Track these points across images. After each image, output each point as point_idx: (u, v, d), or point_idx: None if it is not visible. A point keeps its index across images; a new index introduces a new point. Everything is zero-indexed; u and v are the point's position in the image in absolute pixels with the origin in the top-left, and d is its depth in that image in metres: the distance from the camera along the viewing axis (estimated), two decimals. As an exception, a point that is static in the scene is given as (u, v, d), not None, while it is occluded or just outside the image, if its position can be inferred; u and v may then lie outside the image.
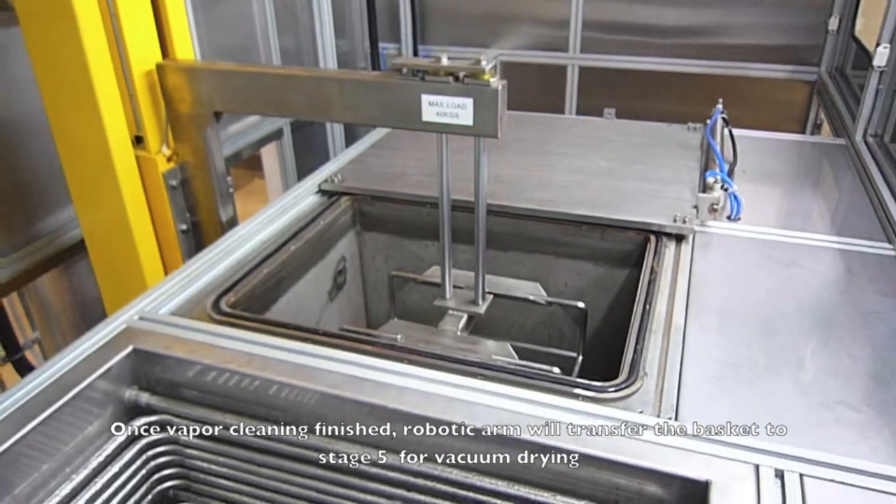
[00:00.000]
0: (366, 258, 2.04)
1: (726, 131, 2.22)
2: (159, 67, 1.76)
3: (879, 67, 2.07)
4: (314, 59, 3.38)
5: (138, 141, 1.81)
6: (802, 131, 3.29)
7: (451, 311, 1.63)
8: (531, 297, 1.70)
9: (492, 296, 1.66)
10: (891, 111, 2.08)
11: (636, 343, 1.28)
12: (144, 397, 1.28)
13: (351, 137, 3.48)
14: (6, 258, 2.18)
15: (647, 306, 1.40)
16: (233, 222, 1.97)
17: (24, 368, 2.64)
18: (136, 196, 1.82)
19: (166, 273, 1.91)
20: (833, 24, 3.04)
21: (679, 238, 1.67)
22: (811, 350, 1.29)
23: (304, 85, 1.60)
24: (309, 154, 3.52)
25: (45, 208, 2.31)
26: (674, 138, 2.25)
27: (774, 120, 3.11)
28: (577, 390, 1.14)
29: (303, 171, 3.45)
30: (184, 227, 1.91)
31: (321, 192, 1.97)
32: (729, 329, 1.35)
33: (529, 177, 1.97)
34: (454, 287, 1.66)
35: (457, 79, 1.37)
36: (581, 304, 1.73)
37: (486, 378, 1.17)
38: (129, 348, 1.27)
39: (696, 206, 1.75)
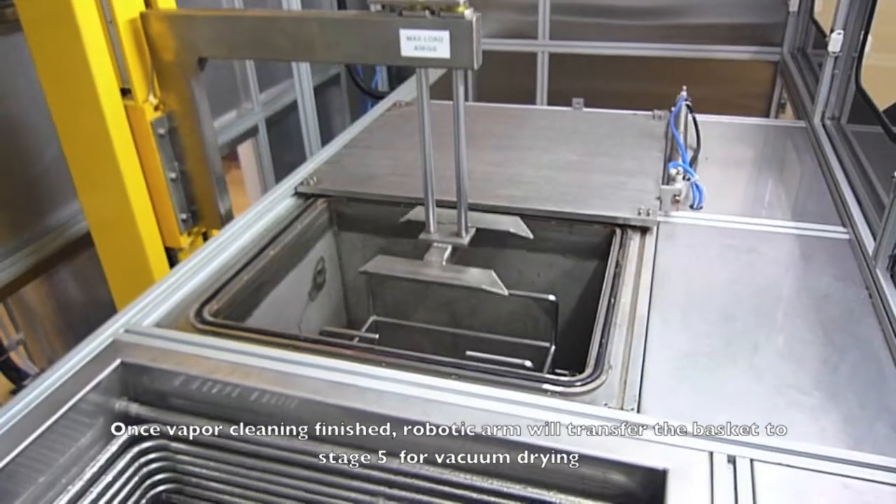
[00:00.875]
0: (344, 258, 2.09)
1: (690, 119, 2.28)
2: (143, 16, 1.79)
3: (834, 53, 2.14)
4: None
5: (125, 93, 1.84)
6: (767, 111, 3.37)
7: (435, 244, 1.69)
8: (512, 230, 1.76)
9: (474, 229, 1.72)
10: (846, 95, 2.15)
11: (601, 337, 1.35)
12: (134, 408, 1.33)
13: (326, 132, 3.51)
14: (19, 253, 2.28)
15: (612, 300, 1.47)
16: (221, 180, 2.02)
17: (9, 370, 2.67)
18: (126, 145, 1.85)
19: (160, 228, 1.98)
20: (793, 4, 3.10)
21: (643, 230, 1.74)
22: (766, 336, 1.37)
23: (287, 26, 1.64)
24: (285, 148, 3.55)
25: (34, 213, 2.35)
26: (639, 128, 2.32)
27: (740, 100, 3.18)
28: (546, 386, 1.21)
29: (279, 165, 3.48)
30: (173, 175, 1.96)
31: (297, 194, 2.01)
32: (689, 319, 1.42)
33: (499, 173, 2.02)
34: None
35: (433, 12, 1.43)
36: (552, 297, 1.80)
37: (460, 378, 1.24)
38: (117, 361, 1.32)
39: (659, 198, 1.81)
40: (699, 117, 2.29)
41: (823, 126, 2.23)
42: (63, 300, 2.61)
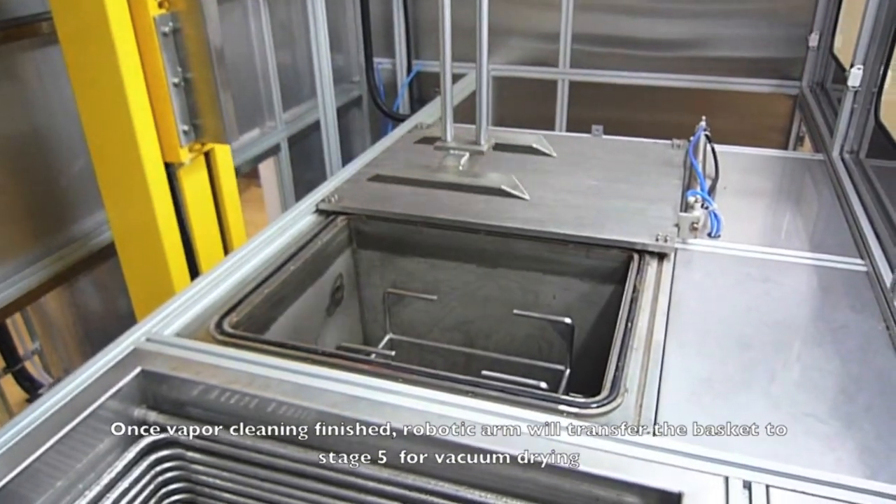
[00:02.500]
0: (362, 276, 2.12)
1: (709, 148, 2.30)
2: None
3: (853, 87, 2.15)
4: (310, 73, 3.46)
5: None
6: (786, 144, 3.38)
7: (452, 151, 1.65)
8: (534, 146, 1.72)
9: (493, 140, 1.69)
10: (865, 129, 2.16)
11: (618, 360, 1.36)
12: (152, 416, 1.35)
13: (347, 153, 3.55)
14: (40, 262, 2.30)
15: (629, 324, 1.47)
16: (227, 88, 1.93)
17: (24, 379, 2.70)
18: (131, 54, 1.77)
19: (161, 142, 1.90)
20: (813, 40, 3.13)
21: (661, 256, 1.75)
22: (783, 364, 1.37)
23: None
24: (306, 168, 3.60)
25: (57, 223, 2.40)
26: (658, 156, 2.33)
27: (759, 132, 3.20)
28: (561, 407, 1.22)
29: (299, 184, 3.53)
30: (175, 80, 1.89)
31: (318, 211, 2.04)
32: (706, 345, 1.43)
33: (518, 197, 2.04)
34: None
35: None
36: (567, 320, 1.80)
37: (476, 396, 1.24)
38: (138, 369, 1.34)
39: (677, 225, 1.82)
40: (718, 147, 2.30)
41: (842, 159, 2.23)
42: (82, 311, 2.64)
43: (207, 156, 2.07)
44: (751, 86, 3.41)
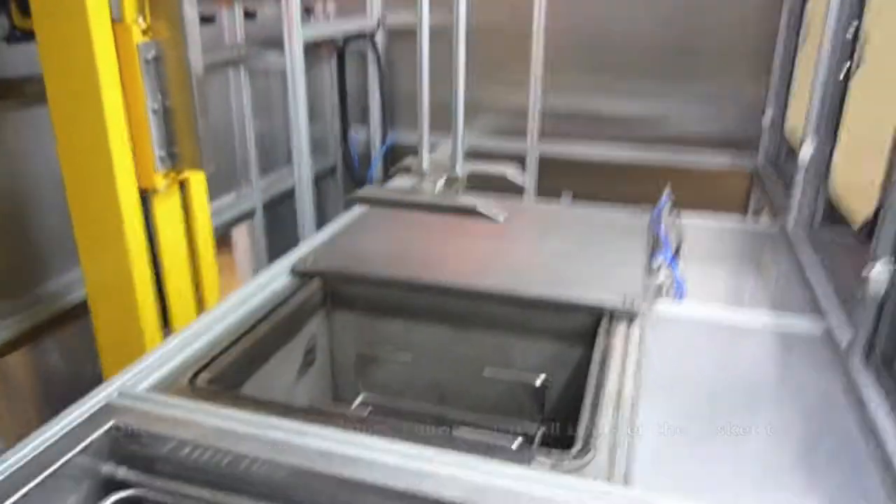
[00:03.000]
0: (335, 337, 2.12)
1: (672, 216, 2.40)
2: None
3: (805, 160, 2.29)
4: (287, 141, 3.54)
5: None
6: (744, 215, 3.54)
7: (427, 177, 1.68)
8: (507, 175, 1.76)
9: (468, 168, 1.73)
10: (817, 201, 2.29)
11: (590, 415, 1.38)
12: (122, 471, 1.32)
13: (321, 221, 3.60)
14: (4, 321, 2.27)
15: (600, 381, 1.51)
16: (205, 116, 1.95)
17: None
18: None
19: (136, 167, 1.89)
20: (767, 118, 3.33)
21: (629, 317, 1.80)
22: (748, 419, 1.41)
23: None
24: (280, 234, 3.63)
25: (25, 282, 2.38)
26: (624, 223, 2.42)
27: (719, 204, 3.32)
28: (535, 461, 1.23)
29: (273, 250, 3.55)
30: (155, 106, 1.90)
31: (293, 273, 2.06)
32: (674, 402, 1.47)
33: (490, 259, 2.10)
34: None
35: None
36: (539, 380, 1.83)
37: (451, 448, 1.25)
38: (109, 423, 1.32)
39: (644, 288, 1.89)
40: (681, 216, 2.41)
41: (797, 229, 2.35)
42: (46, 374, 2.58)
43: (182, 186, 2.09)
44: (710, 160, 3.59)
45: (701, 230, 2.50)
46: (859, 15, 2.03)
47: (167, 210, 2.00)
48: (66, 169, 1.89)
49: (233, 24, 3.22)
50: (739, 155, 3.57)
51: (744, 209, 3.55)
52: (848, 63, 2.06)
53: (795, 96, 2.89)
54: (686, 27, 3.52)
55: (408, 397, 2.08)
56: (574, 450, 1.28)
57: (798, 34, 2.96)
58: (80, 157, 1.86)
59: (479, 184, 1.86)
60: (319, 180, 3.99)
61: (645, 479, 1.20)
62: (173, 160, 1.98)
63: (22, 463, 1.23)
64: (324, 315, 2.09)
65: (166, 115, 1.93)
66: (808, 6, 2.88)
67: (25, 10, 1.79)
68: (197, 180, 2.09)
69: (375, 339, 2.09)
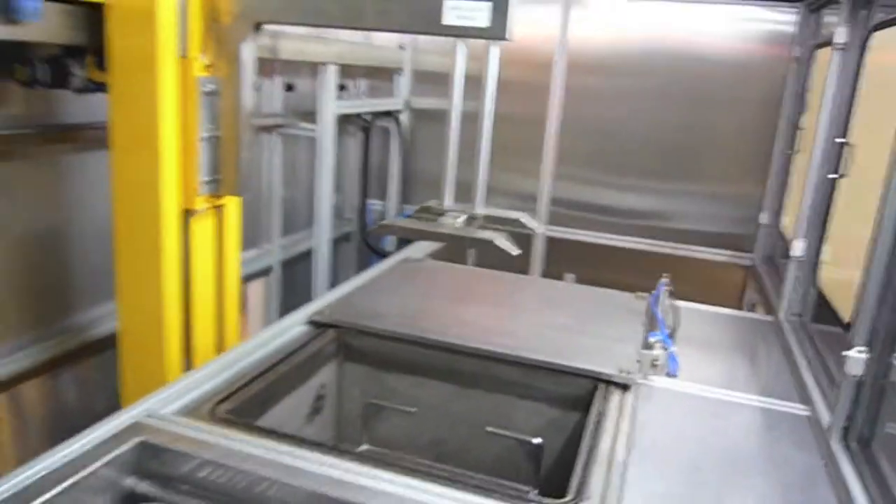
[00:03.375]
0: (344, 388, 2.23)
1: (669, 301, 2.54)
2: None
3: (796, 257, 2.45)
4: (309, 206, 3.74)
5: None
6: (740, 309, 3.66)
7: (449, 211, 1.82)
8: (521, 219, 1.88)
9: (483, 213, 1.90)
10: (808, 295, 2.43)
11: (582, 472, 1.48)
12: (143, 485, 1.41)
13: (333, 283, 3.75)
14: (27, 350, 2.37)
15: (593, 442, 1.61)
16: (248, 150, 2.11)
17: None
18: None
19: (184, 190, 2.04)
20: (763, 218, 3.52)
21: (624, 387, 1.91)
22: (730, 488, 1.50)
23: None
24: (293, 293, 3.77)
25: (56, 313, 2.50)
26: (623, 304, 2.56)
27: (716, 297, 3.46)
28: (532, 502, 1.33)
29: (285, 308, 3.68)
30: (206, 134, 2.06)
31: (311, 322, 2.19)
32: (662, 466, 1.56)
33: (496, 326, 2.23)
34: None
35: None
36: (537, 440, 1.92)
37: (453, 486, 1.35)
38: (136, 440, 1.42)
39: (639, 361, 2.00)
40: (678, 302, 2.54)
41: (788, 321, 2.48)
42: (58, 405, 2.66)
43: (218, 211, 2.26)
44: (709, 255, 3.76)
45: (697, 317, 2.62)
46: (844, 133, 2.24)
47: (203, 230, 2.17)
48: (117, 184, 2.06)
49: (273, 94, 3.48)
50: (737, 251, 3.75)
51: (739, 303, 3.69)
52: (833, 174, 2.25)
53: (790, 198, 3.09)
54: (690, 132, 3.77)
55: (409, 451, 2.16)
56: (568, 498, 1.37)
57: (793, 142, 3.18)
58: (132, 174, 2.04)
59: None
60: (336, 245, 4.16)
61: (632, 529, 1.29)
62: (215, 185, 2.16)
63: (50, 470, 1.32)
64: (335, 365, 2.20)
65: (214, 144, 2.12)
66: (803, 119, 3.13)
67: (100, 65, 2.00)
68: (232, 205, 2.28)
69: (382, 392, 2.19)
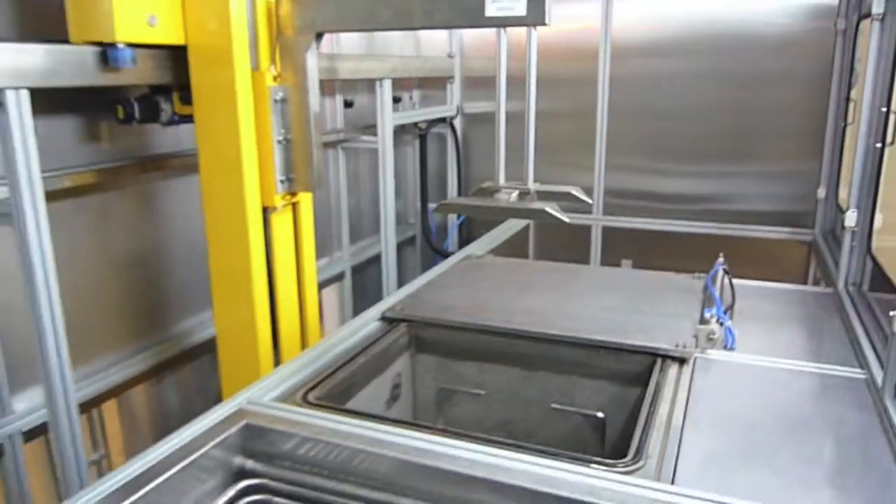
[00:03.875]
0: (417, 376, 2.40)
1: (726, 280, 2.60)
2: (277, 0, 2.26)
3: (850, 227, 2.48)
4: (373, 213, 3.97)
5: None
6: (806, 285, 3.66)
7: (503, 189, 1.97)
8: (573, 192, 2.08)
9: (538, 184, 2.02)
10: (865, 265, 2.46)
11: (641, 434, 1.60)
12: (249, 463, 1.62)
13: (401, 284, 3.96)
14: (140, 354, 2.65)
15: (652, 410, 1.73)
16: (319, 148, 2.34)
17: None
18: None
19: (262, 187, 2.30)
20: (821, 193, 3.52)
21: (681, 361, 2.01)
22: (785, 444, 1.59)
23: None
24: (363, 297, 3.99)
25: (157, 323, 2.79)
26: (680, 285, 2.64)
27: (780, 275, 3.49)
28: (592, 465, 1.46)
29: (358, 311, 3.90)
30: (279, 138, 2.30)
31: (384, 318, 2.37)
32: (717, 429, 1.66)
33: (555, 310, 2.35)
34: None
35: None
36: (600, 414, 2.04)
37: (521, 450, 1.50)
38: (242, 423, 1.63)
39: (695, 336, 2.10)
40: (736, 281, 2.60)
41: (847, 291, 2.51)
42: (161, 407, 2.95)
43: (294, 207, 2.52)
44: (767, 233, 3.77)
45: (756, 293, 2.68)
46: (888, 102, 2.27)
47: (282, 224, 2.44)
48: (206, 190, 2.33)
49: (334, 111, 3.72)
50: (797, 228, 3.74)
51: (804, 280, 3.68)
52: (880, 142, 2.29)
53: (844, 171, 3.09)
54: (741, 111, 3.80)
55: (481, 432, 2.31)
56: (627, 458, 1.50)
57: (846, 114, 3.19)
58: (219, 181, 2.30)
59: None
60: (401, 249, 4.37)
61: (688, 483, 1.41)
62: (290, 184, 2.41)
63: (169, 452, 1.53)
64: (408, 356, 2.38)
65: (287, 146, 2.37)
66: (854, 91, 3.13)
67: (185, 100, 2.26)
68: (306, 201, 2.53)
69: (453, 379, 2.35)
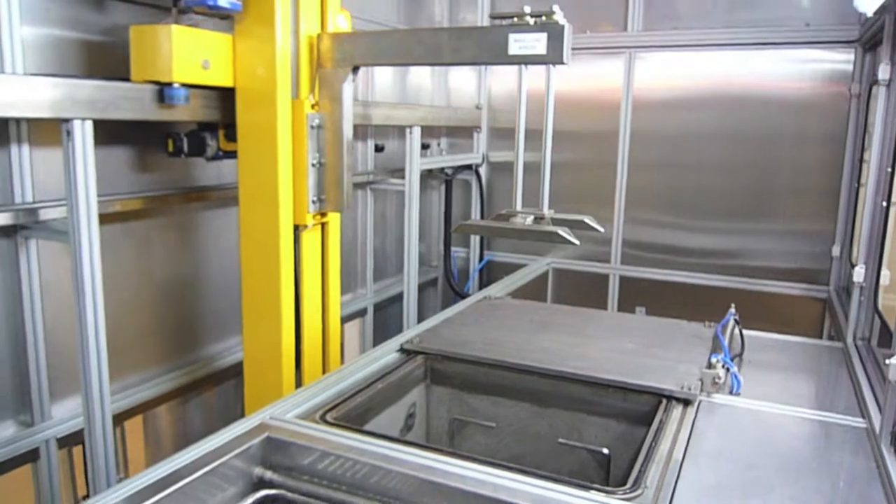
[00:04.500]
0: (432, 409, 2.49)
1: (736, 329, 2.67)
2: (319, 36, 2.45)
3: (858, 283, 2.55)
4: (398, 259, 4.12)
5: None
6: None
7: (520, 213, 2.09)
8: (586, 220, 2.15)
9: (552, 211, 2.13)
10: (873, 320, 2.52)
11: (641, 465, 1.68)
12: (268, 474, 1.72)
13: (421, 321, 4.07)
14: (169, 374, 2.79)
15: (653, 444, 1.80)
16: (350, 173, 2.54)
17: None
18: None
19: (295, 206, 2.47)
20: (836, 251, 3.59)
21: (686, 402, 2.08)
22: (781, 482, 1.65)
23: (423, 36, 2.23)
24: (383, 334, 4.11)
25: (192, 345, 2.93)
26: (691, 332, 2.71)
27: (792, 333, 3.53)
28: (593, 491, 1.54)
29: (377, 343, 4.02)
30: (314, 161, 2.47)
31: (402, 350, 2.48)
32: (716, 465, 1.73)
33: (569, 350, 2.43)
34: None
35: (536, 21, 1.97)
36: (605, 451, 2.11)
37: (527, 474, 1.58)
38: (264, 435, 1.74)
39: (701, 380, 2.16)
40: (748, 332, 2.67)
41: (855, 345, 2.57)
42: (183, 427, 3.06)
43: (323, 227, 2.68)
44: (782, 289, 3.83)
45: (768, 344, 2.73)
46: (894, 162, 2.37)
47: (311, 242, 2.60)
48: (244, 210, 2.51)
49: (365, 154, 3.92)
50: (813, 284, 3.80)
51: (819, 336, 3.71)
52: (885, 202, 2.38)
53: (858, 230, 3.16)
54: (758, 171, 3.89)
55: (491, 463, 2.38)
56: (626, 486, 1.58)
57: (860, 175, 3.28)
58: (256, 200, 2.49)
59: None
60: (423, 289, 4.50)
61: (683, 511, 1.48)
62: (321, 204, 2.58)
63: (193, 458, 1.64)
64: (424, 387, 2.48)
65: (321, 170, 2.55)
66: (867, 153, 3.22)
67: (229, 136, 2.45)
68: (334, 222, 2.70)
69: (466, 412, 2.44)
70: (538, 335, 2.65)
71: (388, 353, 2.46)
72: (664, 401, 2.09)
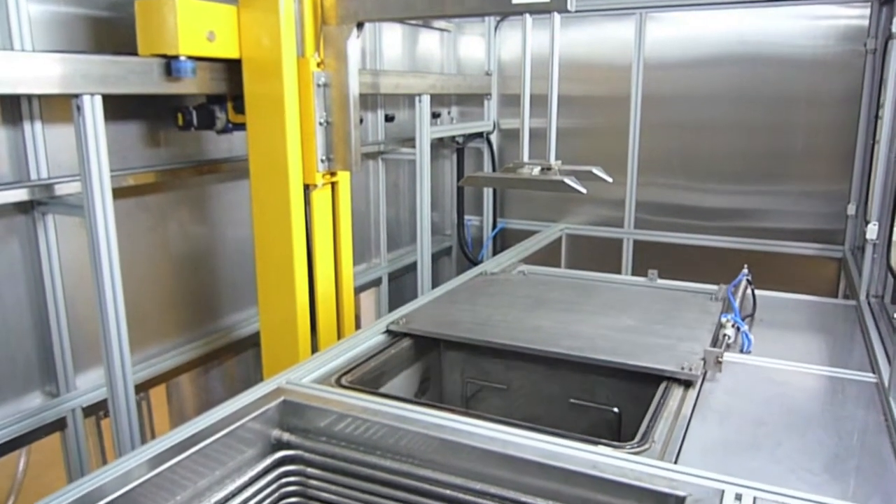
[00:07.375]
0: (445, 371, 2.53)
1: (748, 290, 2.67)
2: None
3: (871, 240, 2.54)
4: (411, 224, 4.15)
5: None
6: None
7: (527, 164, 2.08)
8: (594, 171, 2.14)
9: (560, 161, 2.12)
10: (886, 277, 2.51)
11: (650, 421, 1.71)
12: (286, 436, 1.77)
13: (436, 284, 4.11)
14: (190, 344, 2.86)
15: (661, 402, 1.82)
16: (357, 131, 2.54)
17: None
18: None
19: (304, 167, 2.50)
20: (851, 209, 3.55)
21: (687, 384, 1.96)
22: (789, 436, 1.67)
23: None
24: (399, 303, 4.15)
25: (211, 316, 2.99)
26: (696, 305, 2.59)
27: (807, 292, 3.52)
28: (599, 447, 1.57)
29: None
30: (321, 120, 2.50)
31: (388, 332, 2.47)
32: (724, 421, 1.75)
33: (562, 329, 2.34)
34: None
35: None
36: (616, 409, 2.14)
37: (536, 430, 1.62)
38: (281, 399, 1.79)
39: (703, 359, 2.07)
40: (760, 292, 2.66)
41: (868, 303, 2.56)
42: (206, 394, 3.14)
43: (333, 186, 2.72)
44: (797, 249, 3.81)
45: (780, 304, 2.73)
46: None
47: (322, 201, 2.64)
48: (254, 175, 2.53)
49: (376, 124, 3.92)
50: (828, 244, 3.77)
51: (835, 296, 3.70)
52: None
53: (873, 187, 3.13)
54: (773, 131, 3.84)
55: (504, 424, 2.42)
56: (634, 441, 1.61)
57: (875, 133, 3.23)
58: (265, 159, 2.51)
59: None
60: (437, 259, 4.52)
61: (690, 465, 1.50)
62: (330, 163, 2.61)
63: (213, 421, 1.69)
64: (437, 353, 2.52)
65: (328, 128, 2.57)
66: (882, 111, 3.17)
67: (237, 108, 2.48)
68: (344, 181, 2.72)
69: (479, 376, 2.47)
70: (532, 312, 2.53)
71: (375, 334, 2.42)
72: (665, 382, 2.02)
